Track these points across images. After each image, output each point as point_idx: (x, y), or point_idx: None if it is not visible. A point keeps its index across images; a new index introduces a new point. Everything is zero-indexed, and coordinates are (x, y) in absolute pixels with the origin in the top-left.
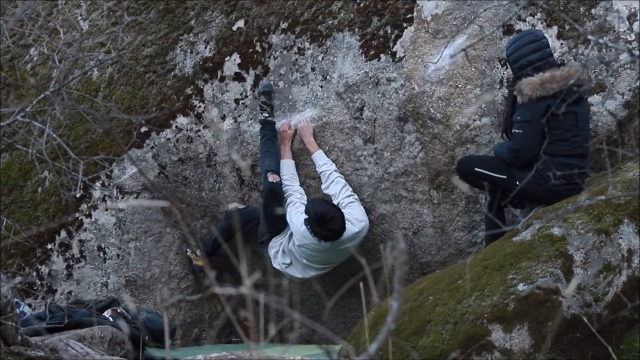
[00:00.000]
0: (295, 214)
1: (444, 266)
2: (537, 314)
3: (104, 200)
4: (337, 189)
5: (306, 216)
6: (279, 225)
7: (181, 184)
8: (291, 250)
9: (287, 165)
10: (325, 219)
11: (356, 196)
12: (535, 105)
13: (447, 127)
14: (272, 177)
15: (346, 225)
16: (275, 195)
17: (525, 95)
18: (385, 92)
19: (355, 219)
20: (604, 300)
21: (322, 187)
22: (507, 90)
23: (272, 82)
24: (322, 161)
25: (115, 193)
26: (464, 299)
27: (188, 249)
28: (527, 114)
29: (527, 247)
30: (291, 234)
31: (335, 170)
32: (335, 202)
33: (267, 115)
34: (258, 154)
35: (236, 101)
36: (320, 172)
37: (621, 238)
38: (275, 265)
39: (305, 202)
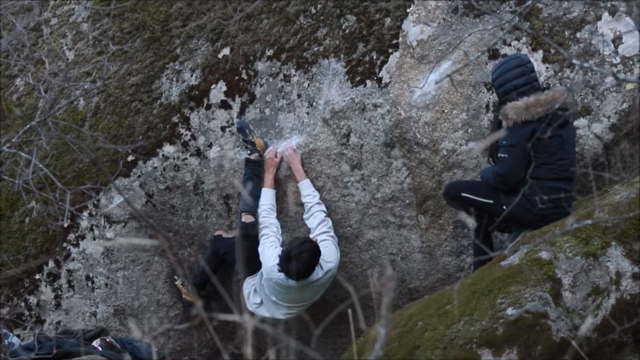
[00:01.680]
0: (269, 247)
1: (432, 291)
2: (526, 338)
3: (91, 229)
4: (314, 223)
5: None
6: (253, 266)
7: (168, 212)
8: (262, 285)
9: (267, 195)
10: (291, 255)
11: (332, 233)
12: (520, 129)
13: (434, 152)
14: (244, 218)
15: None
16: (247, 235)
17: (511, 120)
18: (372, 118)
19: (323, 259)
20: (593, 324)
21: (304, 216)
22: (492, 115)
23: (242, 119)
24: (306, 191)
25: (102, 222)
26: (453, 324)
27: (176, 277)
28: (512, 138)
29: (515, 272)
30: (261, 276)
31: (319, 203)
32: (311, 235)
33: (249, 152)
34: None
35: (222, 129)
36: (304, 202)
37: (609, 261)
38: (249, 306)
39: (280, 237)
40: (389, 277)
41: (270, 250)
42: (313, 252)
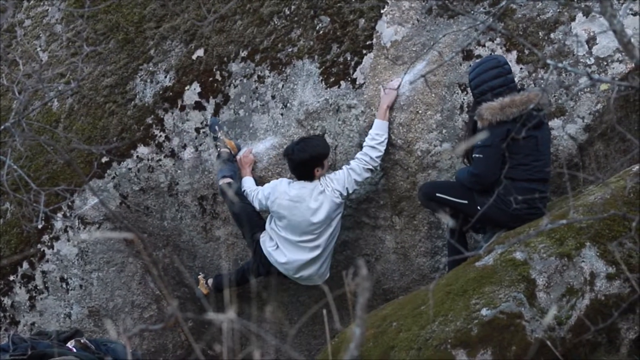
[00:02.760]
0: (265, 186)
1: (407, 292)
2: (500, 339)
3: (65, 231)
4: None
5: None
6: (257, 222)
7: (143, 213)
8: (273, 228)
9: (248, 181)
10: (300, 140)
11: (352, 166)
12: (495, 129)
13: (408, 153)
14: (222, 180)
15: (321, 180)
16: (229, 192)
17: (486, 120)
18: (346, 119)
19: (329, 178)
20: (567, 324)
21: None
22: (467, 116)
23: (217, 118)
24: (376, 131)
25: (77, 224)
26: (427, 325)
27: (201, 273)
28: (487, 139)
29: (490, 272)
30: (271, 218)
31: (383, 142)
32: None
33: (219, 150)
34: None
35: (197, 130)
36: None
37: (583, 261)
38: (267, 254)
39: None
40: (364, 277)
41: (265, 187)
42: (316, 143)
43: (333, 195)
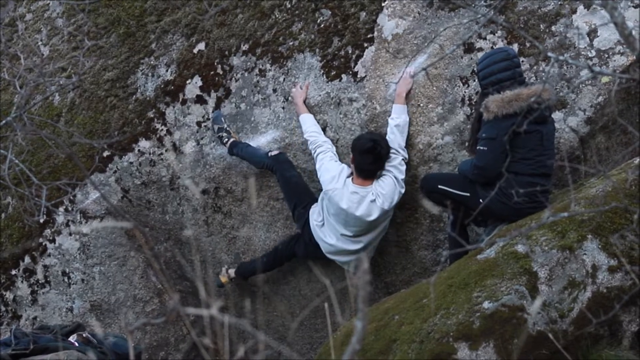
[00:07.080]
0: (329, 161)
1: (408, 285)
2: (502, 332)
3: (67, 225)
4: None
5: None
6: (307, 195)
7: (145, 207)
8: (323, 206)
9: (308, 119)
10: (375, 143)
11: (399, 171)
12: (500, 123)
13: (410, 146)
14: (272, 153)
15: (374, 187)
16: (283, 162)
17: (491, 113)
18: (347, 113)
19: (382, 189)
20: (569, 317)
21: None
22: (469, 109)
23: (220, 110)
24: (404, 118)
25: (78, 218)
26: (429, 318)
27: (226, 265)
28: (492, 132)
29: (492, 265)
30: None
31: (407, 124)
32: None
33: (227, 140)
34: (221, 176)
35: (198, 124)
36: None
37: (585, 254)
38: (312, 227)
39: (335, 152)
40: (365, 271)
41: (330, 164)
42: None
43: (384, 204)
